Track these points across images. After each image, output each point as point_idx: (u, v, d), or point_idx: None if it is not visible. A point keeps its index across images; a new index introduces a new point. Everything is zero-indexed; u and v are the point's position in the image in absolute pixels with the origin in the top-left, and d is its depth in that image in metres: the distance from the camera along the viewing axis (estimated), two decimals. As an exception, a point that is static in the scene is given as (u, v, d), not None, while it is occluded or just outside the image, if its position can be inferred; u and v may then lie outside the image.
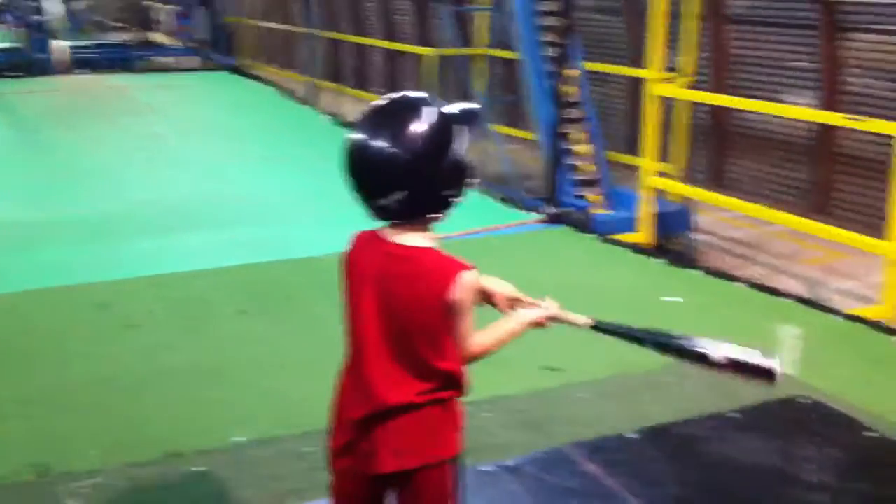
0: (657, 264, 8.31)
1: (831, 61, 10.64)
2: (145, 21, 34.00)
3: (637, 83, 11.68)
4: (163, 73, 24.43)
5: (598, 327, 3.01)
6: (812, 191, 11.09)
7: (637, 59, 11.71)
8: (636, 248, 8.85)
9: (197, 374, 5.86)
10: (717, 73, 12.05)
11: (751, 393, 5.40)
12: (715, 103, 11.18)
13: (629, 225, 9.53)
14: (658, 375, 5.68)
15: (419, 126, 2.63)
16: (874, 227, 7.99)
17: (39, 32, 23.52)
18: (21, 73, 22.32)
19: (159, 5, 32.77)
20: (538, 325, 2.95)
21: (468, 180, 2.73)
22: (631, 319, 3.10)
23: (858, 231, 8.00)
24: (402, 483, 2.80)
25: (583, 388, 5.63)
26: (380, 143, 2.62)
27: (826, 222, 8.66)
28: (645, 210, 9.44)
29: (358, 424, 2.76)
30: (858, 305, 7.60)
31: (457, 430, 2.83)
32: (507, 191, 10.77)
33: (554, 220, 9.64)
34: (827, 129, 10.65)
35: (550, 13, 10.71)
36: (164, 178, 11.81)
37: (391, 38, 19.66)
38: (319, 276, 7.34)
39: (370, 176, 2.66)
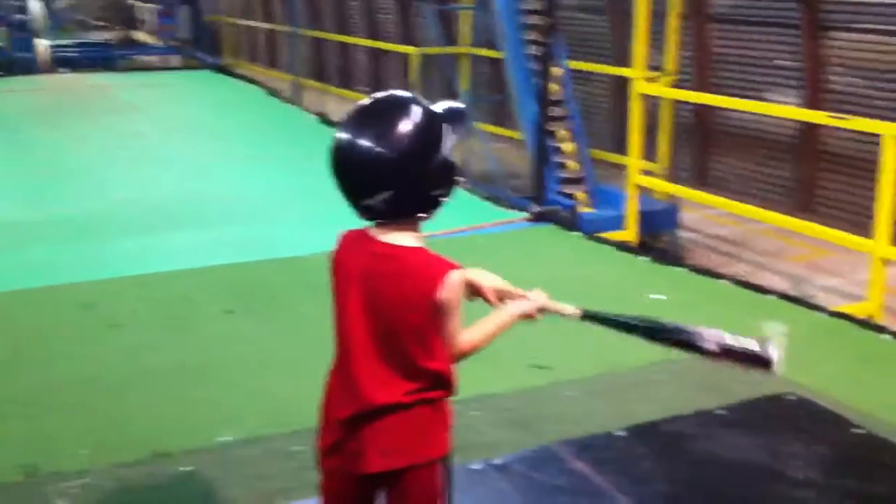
0: (643, 262, 8.31)
1: (814, 60, 10.69)
2: (128, 20, 33.86)
3: (621, 82, 11.70)
4: (146, 72, 24.31)
5: (587, 316, 2.98)
6: (796, 189, 11.14)
7: (621, 58, 11.73)
8: (622, 246, 8.86)
9: (182, 373, 5.83)
10: (700, 72, 12.09)
11: (738, 390, 5.44)
12: (699, 102, 11.21)
13: (615, 223, 9.55)
14: (646, 373, 5.70)
15: (405, 125, 2.61)
16: (858, 224, 8.03)
17: (21, 31, 23.39)
18: (2, 73, 22.19)
19: (142, 4, 32.64)
20: (527, 317, 2.93)
21: (455, 179, 2.72)
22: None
23: (843, 228, 8.04)
24: (391, 483, 2.78)
25: (571, 386, 5.62)
26: (366, 143, 2.60)
27: (810, 220, 8.70)
28: (631, 208, 9.46)
29: (345, 424, 2.75)
30: (844, 302, 7.64)
31: (445, 430, 2.82)
32: (493, 189, 10.77)
33: (540, 218, 9.64)
34: (811, 128, 10.70)
35: (534, 11, 10.72)
36: (147, 178, 11.75)
37: (375, 36, 19.64)
38: (305, 276, 7.32)
39: (356, 176, 2.65)
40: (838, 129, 9.70)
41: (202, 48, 25.40)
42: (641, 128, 9.48)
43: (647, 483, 4.50)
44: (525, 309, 2.91)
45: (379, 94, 2.78)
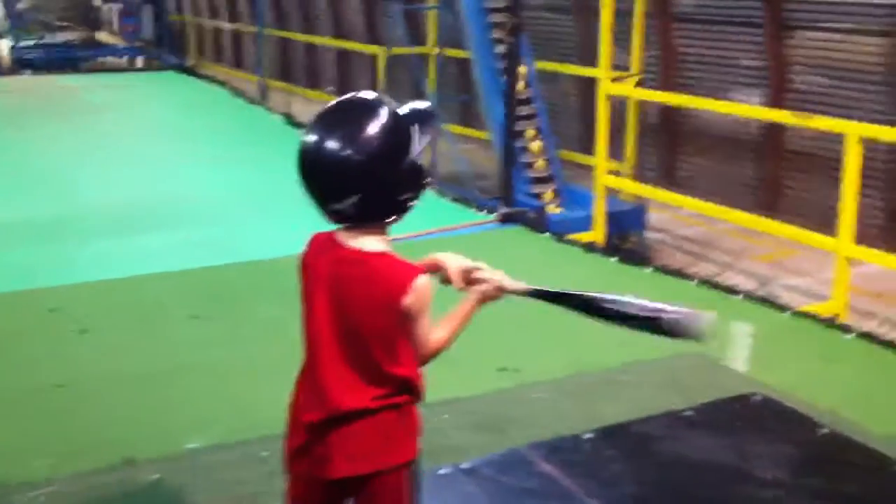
0: (610, 263, 8.35)
1: (777, 59, 10.75)
2: (92, 20, 33.57)
3: (588, 81, 11.72)
4: (110, 73, 24.15)
5: (533, 292, 2.90)
6: (761, 188, 11.20)
7: (587, 58, 11.74)
8: (590, 248, 8.90)
9: (151, 378, 5.80)
10: (665, 72, 12.13)
11: (704, 391, 5.48)
12: (665, 102, 11.25)
13: (583, 224, 9.56)
14: (614, 374, 5.73)
15: (373, 128, 2.60)
16: (823, 223, 8.09)
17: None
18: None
19: (105, 4, 32.38)
20: (490, 299, 2.89)
21: (424, 183, 2.72)
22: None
23: (808, 227, 8.09)
24: (358, 489, 2.78)
25: (539, 387, 5.64)
26: (333, 147, 2.58)
27: (776, 219, 8.75)
28: (599, 209, 9.48)
29: (313, 428, 2.74)
30: (809, 302, 7.69)
31: (412, 435, 2.81)
32: (461, 191, 10.78)
33: (508, 219, 9.66)
34: (775, 127, 10.75)
35: (499, 10, 10.72)
36: (114, 180, 11.68)
37: (341, 36, 19.58)
38: (273, 279, 7.29)
39: (324, 180, 2.62)
40: (803, 128, 9.76)
41: (166, 48, 25.23)
42: (608, 128, 9.51)
43: (616, 485, 4.52)
44: (485, 292, 2.87)
45: (346, 97, 2.76)
